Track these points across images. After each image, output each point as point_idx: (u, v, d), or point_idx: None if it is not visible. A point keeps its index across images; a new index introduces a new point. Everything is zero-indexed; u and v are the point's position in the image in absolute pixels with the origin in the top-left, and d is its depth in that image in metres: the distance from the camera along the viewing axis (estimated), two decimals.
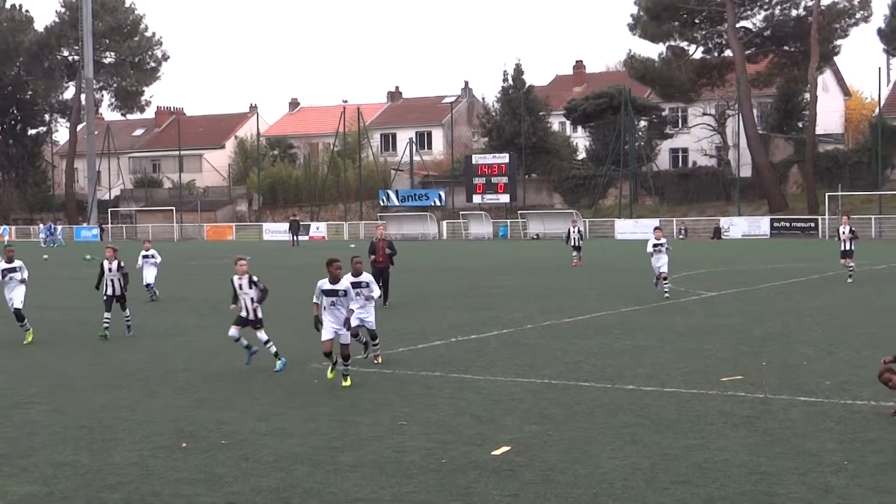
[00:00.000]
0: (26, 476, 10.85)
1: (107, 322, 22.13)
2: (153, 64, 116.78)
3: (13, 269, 21.83)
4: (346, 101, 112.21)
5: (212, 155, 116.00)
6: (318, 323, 16.05)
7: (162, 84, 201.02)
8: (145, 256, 30.94)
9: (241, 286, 17.37)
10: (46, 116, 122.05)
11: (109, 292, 22.17)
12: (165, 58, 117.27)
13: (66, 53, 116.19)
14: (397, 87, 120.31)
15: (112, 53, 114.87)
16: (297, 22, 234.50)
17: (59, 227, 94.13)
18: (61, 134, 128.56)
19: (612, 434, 12.21)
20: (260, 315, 17.46)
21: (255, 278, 17.40)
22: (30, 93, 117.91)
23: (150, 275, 30.93)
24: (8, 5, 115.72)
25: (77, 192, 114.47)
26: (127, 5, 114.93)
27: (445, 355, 18.85)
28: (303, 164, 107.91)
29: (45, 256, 59.92)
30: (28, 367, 18.52)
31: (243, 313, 17.38)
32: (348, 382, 15.62)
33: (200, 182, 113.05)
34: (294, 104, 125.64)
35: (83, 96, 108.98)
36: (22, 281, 21.90)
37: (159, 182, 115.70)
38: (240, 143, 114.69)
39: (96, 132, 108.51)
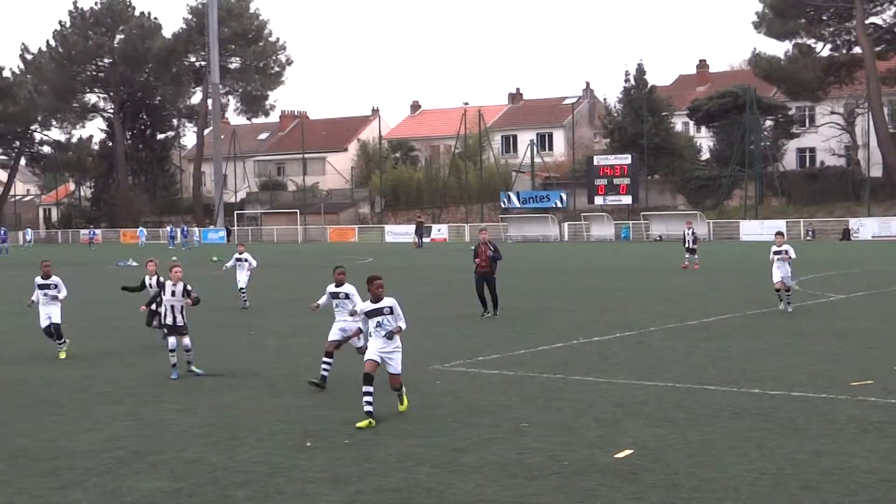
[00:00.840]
0: (156, 472, 11.10)
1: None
2: (277, 68, 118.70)
3: (48, 286, 20.34)
4: (466, 103, 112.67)
5: (335, 158, 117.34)
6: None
7: (286, 88, 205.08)
8: (238, 259, 30.70)
9: (173, 293, 17.45)
10: (174, 121, 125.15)
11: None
12: (289, 62, 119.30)
13: (192, 59, 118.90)
14: (518, 89, 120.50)
15: (237, 59, 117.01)
16: (418, 25, 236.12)
17: (196, 230, 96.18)
18: (189, 138, 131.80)
19: (738, 438, 11.99)
20: (185, 321, 17.52)
21: (188, 287, 17.54)
22: (158, 98, 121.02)
23: (243, 278, 30.50)
24: (137, 13, 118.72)
25: (204, 195, 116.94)
26: (252, 11, 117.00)
27: (566, 357, 18.75)
28: (424, 166, 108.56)
29: (175, 257, 61.31)
30: (156, 365, 18.90)
31: (169, 320, 17.45)
32: (405, 405, 14.21)
33: (324, 184, 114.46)
34: (415, 107, 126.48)
35: (210, 101, 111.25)
36: (55, 298, 20.27)
37: (284, 185, 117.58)
38: (362, 146, 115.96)
39: (222, 136, 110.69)
